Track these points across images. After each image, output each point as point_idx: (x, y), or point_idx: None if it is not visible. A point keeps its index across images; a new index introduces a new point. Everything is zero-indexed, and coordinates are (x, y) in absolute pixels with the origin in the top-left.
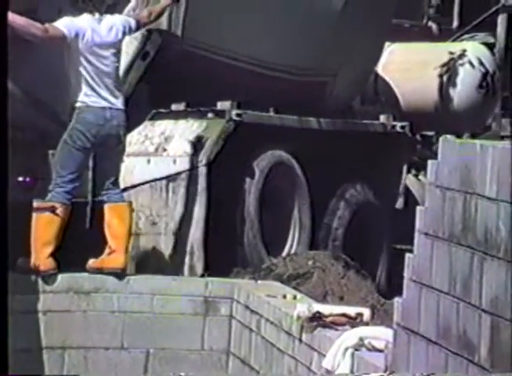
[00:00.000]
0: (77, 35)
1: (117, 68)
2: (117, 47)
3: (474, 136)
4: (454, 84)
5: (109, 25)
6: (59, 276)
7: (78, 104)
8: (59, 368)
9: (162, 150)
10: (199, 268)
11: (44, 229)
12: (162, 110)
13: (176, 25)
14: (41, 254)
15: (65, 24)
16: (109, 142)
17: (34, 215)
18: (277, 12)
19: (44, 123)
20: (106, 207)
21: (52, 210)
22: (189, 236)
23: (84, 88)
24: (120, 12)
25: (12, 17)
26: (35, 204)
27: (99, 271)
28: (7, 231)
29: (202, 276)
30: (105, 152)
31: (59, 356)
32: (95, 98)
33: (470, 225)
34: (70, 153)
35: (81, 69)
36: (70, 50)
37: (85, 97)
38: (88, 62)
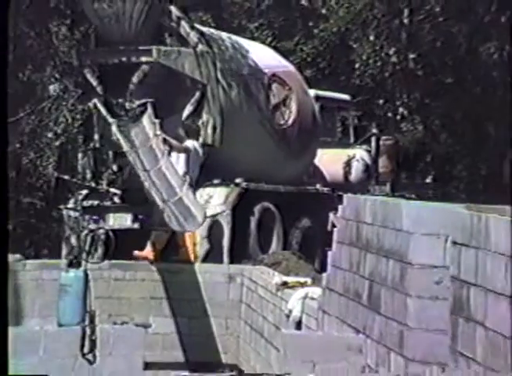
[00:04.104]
0: (193, 150)
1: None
2: None
3: (362, 194)
4: (350, 172)
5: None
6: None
7: None
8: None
9: (208, 202)
10: (226, 259)
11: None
12: (208, 182)
13: (214, 141)
14: (156, 253)
15: (190, 144)
16: None
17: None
18: (260, 141)
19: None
20: None
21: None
22: (222, 244)
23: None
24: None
25: (173, 145)
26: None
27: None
28: (7, 230)
29: (229, 263)
30: None
31: (159, 303)
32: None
33: (360, 236)
34: None
35: (195, 166)
36: (191, 155)
37: None
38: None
